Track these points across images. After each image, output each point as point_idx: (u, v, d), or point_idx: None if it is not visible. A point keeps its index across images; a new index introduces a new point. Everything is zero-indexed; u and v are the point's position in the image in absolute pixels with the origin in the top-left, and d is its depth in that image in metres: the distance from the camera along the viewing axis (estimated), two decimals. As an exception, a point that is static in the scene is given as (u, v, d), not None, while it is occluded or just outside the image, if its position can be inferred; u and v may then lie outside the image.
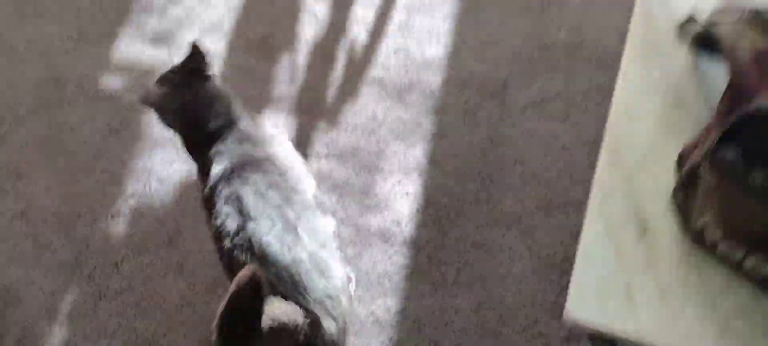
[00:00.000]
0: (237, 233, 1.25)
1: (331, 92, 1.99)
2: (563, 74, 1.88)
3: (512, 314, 1.61)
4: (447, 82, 1.94)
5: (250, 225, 1.24)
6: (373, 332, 1.64)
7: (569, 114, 1.81)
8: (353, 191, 1.80)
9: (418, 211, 1.77)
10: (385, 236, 1.75)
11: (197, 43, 1.45)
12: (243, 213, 1.26)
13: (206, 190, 1.35)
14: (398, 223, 1.76)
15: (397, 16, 2.11)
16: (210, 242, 1.73)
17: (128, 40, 2.29)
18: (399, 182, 1.81)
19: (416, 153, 1.84)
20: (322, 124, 1.93)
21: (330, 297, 1.23)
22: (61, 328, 1.78)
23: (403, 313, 1.65)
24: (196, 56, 1.45)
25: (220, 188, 1.31)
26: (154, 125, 2.06)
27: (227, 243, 1.25)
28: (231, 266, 1.25)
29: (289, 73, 2.06)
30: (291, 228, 1.26)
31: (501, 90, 1.90)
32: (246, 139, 1.40)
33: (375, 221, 1.77)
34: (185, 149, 1.51)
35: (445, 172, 1.80)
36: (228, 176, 1.32)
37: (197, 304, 1.75)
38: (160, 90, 1.42)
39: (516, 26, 1.98)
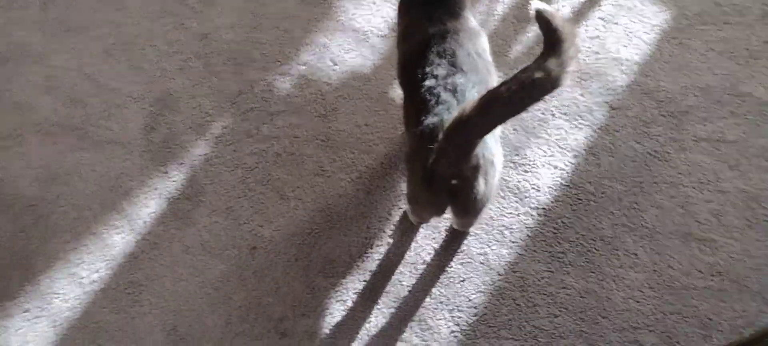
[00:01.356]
0: (445, 77, 1.47)
1: (516, 48, 2.13)
2: (748, 126, 1.94)
3: (615, 312, 1.72)
4: (631, 86, 2.04)
5: (459, 75, 1.47)
6: (479, 269, 1.80)
7: (740, 163, 1.88)
8: (506, 143, 1.95)
9: (560, 186, 1.89)
10: (520, 195, 1.89)
11: None
12: (455, 65, 1.50)
13: (415, 42, 1.57)
14: (537, 189, 1.90)
15: (606, 7, 2.22)
16: (360, 130, 1.96)
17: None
18: (552, 154, 1.94)
19: (578, 136, 1.96)
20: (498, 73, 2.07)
21: (492, 164, 1.45)
22: (205, 145, 2.06)
23: (513, 266, 1.80)
24: None
25: (433, 42, 1.54)
26: (343, 12, 2.29)
27: (431, 82, 1.47)
28: (422, 103, 1.47)
29: (483, 13, 2.22)
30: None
31: (681, 114, 1.98)
32: (462, 15, 1.63)
33: (516, 177, 1.91)
34: (400, 3, 1.72)
35: (600, 164, 1.91)
36: (443, 35, 1.54)
37: (331, 176, 1.99)
38: None
39: (716, 63, 2.05)
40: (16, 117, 2.16)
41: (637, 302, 1.71)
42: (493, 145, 1.46)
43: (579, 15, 2.20)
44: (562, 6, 2.23)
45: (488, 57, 1.58)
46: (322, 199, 1.93)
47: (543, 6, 1.21)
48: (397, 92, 2.09)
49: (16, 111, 2.17)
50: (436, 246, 1.84)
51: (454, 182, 1.42)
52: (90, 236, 1.92)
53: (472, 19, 1.64)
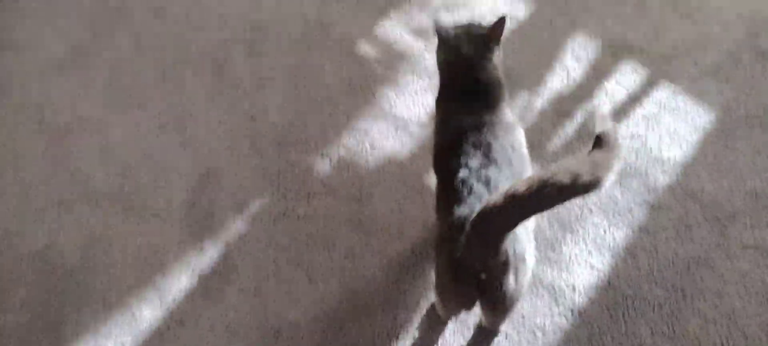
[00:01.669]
0: (479, 168, 1.45)
1: (553, 143, 2.08)
2: (802, 236, 1.80)
3: None
4: (673, 187, 1.95)
5: (493, 168, 1.45)
6: (508, 370, 1.69)
7: (793, 276, 1.73)
8: (541, 238, 1.87)
9: (597, 287, 1.79)
10: (555, 293, 1.79)
11: (505, 17, 1.65)
12: (489, 158, 1.48)
13: (451, 132, 1.57)
14: (573, 288, 1.80)
15: (648, 107, 2.16)
16: (394, 215, 1.92)
17: (394, 22, 2.58)
18: (589, 252, 1.85)
19: (616, 235, 1.87)
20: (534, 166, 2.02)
21: (523, 260, 1.39)
22: (243, 223, 2.06)
23: (544, 370, 1.68)
24: (499, 25, 1.66)
25: (469, 133, 1.53)
26: (386, 100, 2.30)
27: (465, 173, 1.45)
28: (455, 193, 1.44)
29: (521, 108, 2.19)
30: None
31: (726, 219, 1.86)
32: (499, 108, 1.61)
33: (551, 275, 1.82)
34: (440, 90, 1.72)
35: (639, 266, 1.81)
36: (479, 127, 1.53)
37: (362, 260, 1.94)
38: (455, 30, 1.65)
39: (765, 168, 1.94)
40: (69, 185, 2.23)
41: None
42: (526, 239, 1.41)
43: (621, 113, 2.15)
44: (605, 103, 2.17)
45: (524, 151, 1.55)
46: (351, 284, 1.88)
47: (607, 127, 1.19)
48: (431, 180, 2.05)
49: (71, 179, 2.24)
50: (465, 344, 1.74)
51: (482, 275, 1.37)
52: (121, 308, 1.92)
53: (509, 112, 1.62)
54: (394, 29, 2.56)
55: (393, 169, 2.12)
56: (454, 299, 1.53)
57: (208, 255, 2.01)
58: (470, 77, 1.64)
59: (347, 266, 1.92)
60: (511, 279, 1.38)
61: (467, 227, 1.31)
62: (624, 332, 1.71)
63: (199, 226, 2.08)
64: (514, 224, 1.26)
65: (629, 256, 1.82)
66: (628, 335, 1.70)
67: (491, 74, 1.65)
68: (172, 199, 2.16)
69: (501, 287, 1.39)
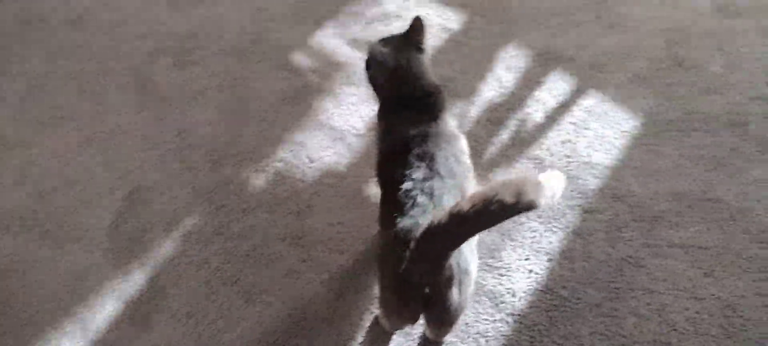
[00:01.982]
0: (423, 180, 1.41)
1: (490, 151, 2.09)
2: (720, 232, 1.87)
3: None
4: (602, 190, 1.99)
5: (436, 179, 1.42)
6: (453, 380, 1.66)
7: (714, 270, 1.80)
8: (481, 245, 1.86)
9: (536, 291, 1.79)
10: (495, 299, 1.79)
11: (420, 18, 1.64)
12: (433, 169, 1.44)
13: (394, 143, 1.54)
14: (513, 293, 1.80)
15: (576, 114, 2.20)
16: (334, 228, 1.86)
17: (330, 33, 2.54)
18: (527, 257, 1.85)
19: (552, 240, 1.88)
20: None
21: (467, 273, 1.38)
22: (172, 243, 1.95)
23: (489, 378, 1.66)
24: (417, 27, 1.66)
25: (413, 144, 1.49)
26: (323, 111, 2.24)
27: (409, 185, 1.41)
28: (397, 206, 1.40)
29: (457, 117, 2.19)
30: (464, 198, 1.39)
31: (653, 220, 1.92)
32: (441, 118, 1.59)
33: (491, 282, 1.81)
34: (381, 105, 1.69)
35: (574, 269, 1.82)
36: (423, 139, 1.50)
37: (303, 276, 1.86)
38: (383, 48, 1.59)
39: (687, 170, 2.01)
40: (-19, 209, 2.04)
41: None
42: (469, 253, 1.39)
43: (551, 120, 2.18)
44: (535, 111, 2.20)
45: (467, 160, 1.53)
46: (291, 302, 1.80)
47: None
48: (372, 190, 2.01)
49: (-18, 203, 2.05)
50: (409, 355, 1.70)
51: (426, 290, 1.33)
52: (39, 343, 1.76)
53: (451, 121, 1.62)
54: (330, 40, 2.52)
55: (331, 181, 2.06)
56: (399, 313, 1.49)
57: (136, 280, 1.89)
58: (410, 87, 1.62)
59: (287, 283, 1.84)
60: (455, 292, 1.36)
61: (412, 243, 1.27)
62: (563, 334, 1.71)
63: (125, 250, 1.95)
64: (459, 243, 1.25)
65: (565, 259, 1.84)
66: (567, 338, 1.70)
67: (430, 82, 1.64)
68: (94, 222, 2.01)
69: (446, 301, 1.37)
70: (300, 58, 2.44)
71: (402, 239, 1.33)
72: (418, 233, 1.28)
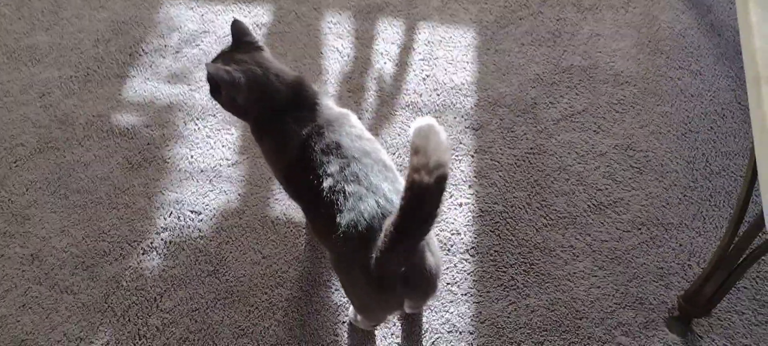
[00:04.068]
0: (341, 170, 1.26)
1: (367, 117, 1.95)
2: (586, 92, 1.97)
3: (586, 308, 1.59)
4: (479, 104, 1.98)
5: (355, 163, 1.27)
6: (450, 340, 1.57)
7: (600, 125, 1.89)
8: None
9: (474, 220, 1.73)
10: (445, 246, 1.70)
11: (236, 20, 1.44)
12: (345, 156, 1.28)
13: (292, 152, 1.34)
14: (457, 232, 1.73)
15: (420, 49, 2.16)
16: (259, 266, 1.62)
17: (141, 80, 2.16)
18: (450, 194, 1.79)
19: (462, 168, 1.83)
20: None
21: (430, 237, 1.27)
22: (93, 375, 1.55)
23: (479, 318, 1.59)
24: (241, 29, 1.45)
25: (313, 142, 1.31)
26: (181, 159, 1.91)
27: (330, 182, 1.25)
28: (330, 206, 1.24)
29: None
30: (389, 170, 1.31)
31: (531, 108, 1.95)
32: (320, 104, 1.41)
33: (434, 232, 1.71)
34: (254, 125, 1.43)
35: (494, 182, 1.80)
36: (319, 132, 1.33)
37: (254, 332, 1.60)
38: (222, 66, 1.34)
39: (533, 54, 2.08)
40: None
41: (598, 287, 1.60)
42: None
43: (402, 65, 2.10)
44: (385, 63, 2.09)
45: (368, 134, 1.40)
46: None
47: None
48: (277, 209, 1.78)
49: None
50: (398, 340, 1.55)
51: (402, 269, 1.20)
52: None
53: (332, 104, 1.45)
54: (145, 87, 2.14)
55: (231, 222, 1.78)
56: (382, 307, 1.35)
57: None
58: (277, 89, 1.40)
59: (243, 344, 1.56)
60: (429, 256, 1.26)
61: (383, 236, 1.13)
62: (516, 243, 1.70)
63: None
64: (433, 219, 1.11)
65: (482, 178, 1.81)
66: (520, 244, 1.69)
67: (290, 73, 1.45)
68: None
69: (425, 269, 1.25)
70: (123, 119, 2.04)
71: (353, 236, 1.19)
72: (364, 222, 1.17)
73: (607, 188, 1.78)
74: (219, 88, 1.40)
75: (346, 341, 1.59)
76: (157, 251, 1.78)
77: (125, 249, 1.79)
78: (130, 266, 1.76)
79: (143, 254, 1.78)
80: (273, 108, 1.40)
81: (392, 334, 1.59)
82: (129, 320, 1.68)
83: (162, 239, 1.80)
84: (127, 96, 2.15)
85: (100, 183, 1.93)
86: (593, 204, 1.76)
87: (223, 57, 1.44)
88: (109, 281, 1.74)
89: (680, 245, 1.69)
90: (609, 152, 1.84)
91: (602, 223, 1.72)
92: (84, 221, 1.85)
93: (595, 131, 1.89)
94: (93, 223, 1.84)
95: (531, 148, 1.88)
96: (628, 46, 2.11)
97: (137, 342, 1.64)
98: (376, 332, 1.60)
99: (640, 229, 1.71)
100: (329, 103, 1.45)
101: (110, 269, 1.76)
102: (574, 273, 1.65)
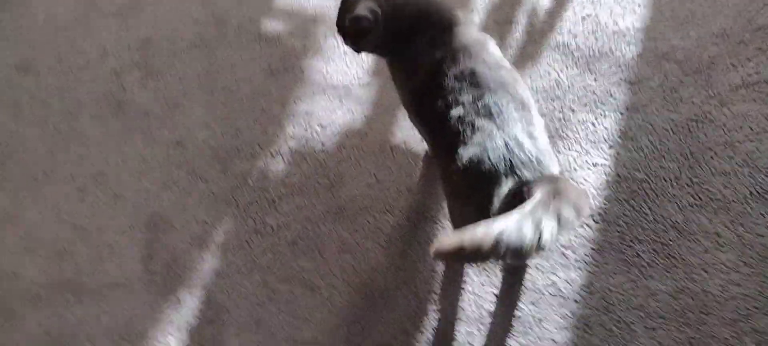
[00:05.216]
0: (474, 101, 1.25)
1: (508, 54, 1.91)
2: (781, 58, 1.72)
3: (718, 305, 1.46)
4: (643, 55, 1.82)
5: (489, 95, 1.25)
6: (554, 303, 1.54)
7: (789, 100, 1.65)
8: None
9: (608, 184, 1.64)
10: (569, 206, 1.63)
11: None
12: (479, 86, 1.27)
13: (424, 75, 1.35)
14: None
15: (587, -17, 2.00)
16: (372, 189, 1.69)
17: (293, -12, 2.30)
18: (586, 152, 1.71)
19: (607, 125, 1.73)
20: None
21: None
22: (213, 257, 1.78)
23: (589, 289, 1.54)
24: None
25: (446, 67, 1.31)
26: (317, 72, 2.04)
27: (459, 111, 1.25)
28: (455, 136, 1.25)
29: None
30: (526, 108, 1.27)
31: (706, 68, 1.76)
32: (458, 27, 1.39)
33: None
34: (390, 51, 1.46)
35: (640, 147, 1.68)
36: (453, 56, 1.32)
37: (357, 251, 1.71)
38: (365, 5, 1.37)
39: (724, 3, 1.85)
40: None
41: (738, 285, 1.46)
42: (553, 160, 1.25)
43: (561, 2, 1.97)
44: (540, 2, 1.99)
45: (507, 63, 1.36)
46: (356, 277, 1.66)
47: None
48: (398, 136, 1.84)
49: (-4, 286, 1.87)
50: (496, 292, 1.57)
51: None
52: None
53: (473, 27, 1.42)
54: (296, -5, 2.27)
55: (353, 142, 1.88)
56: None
57: (190, 306, 1.73)
58: (414, 12, 1.41)
59: (345, 260, 1.70)
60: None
61: (490, 179, 1.16)
62: (652, 218, 1.59)
63: (167, 280, 1.79)
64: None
65: (628, 140, 1.70)
66: (657, 220, 1.58)
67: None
68: (123, 262, 1.84)
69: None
70: (271, 25, 2.21)
71: (474, 170, 1.19)
72: (488, 162, 1.15)
73: (781, 175, 1.59)
74: (363, 35, 1.42)
75: (442, 279, 1.65)
76: (282, 157, 1.97)
77: (256, 150, 2.00)
78: (257, 166, 1.96)
79: (271, 157, 1.98)
80: (410, 31, 1.42)
81: (491, 283, 1.62)
82: (249, 215, 1.89)
83: (289, 147, 1.98)
84: (277, 2, 2.32)
85: (243, 84, 2.14)
86: (757, 191, 1.58)
87: (353, 1, 1.44)
88: (237, 176, 1.96)
89: None
90: (793, 134, 1.63)
91: (762, 215, 1.55)
92: (224, 117, 2.08)
93: (781, 106, 1.68)
94: (232, 121, 2.07)
95: (695, 115, 1.72)
96: None
97: (253, 237, 1.85)
98: (475, 277, 1.63)
99: (810, 230, 1.52)
100: (471, 26, 1.43)
101: (240, 165, 1.98)
102: (713, 264, 1.53)
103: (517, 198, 1.10)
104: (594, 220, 1.61)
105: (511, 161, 1.16)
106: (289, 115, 2.03)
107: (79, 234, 1.94)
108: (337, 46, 2.11)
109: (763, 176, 1.58)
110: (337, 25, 1.45)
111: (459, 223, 1.34)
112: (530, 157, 1.17)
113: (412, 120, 1.49)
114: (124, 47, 2.31)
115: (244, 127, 2.03)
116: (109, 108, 2.17)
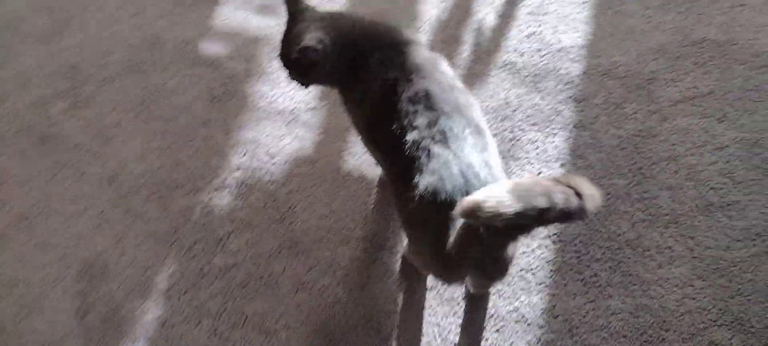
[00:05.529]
0: (428, 125, 1.23)
1: (459, 74, 1.93)
2: (717, 71, 1.81)
3: (676, 319, 1.52)
4: (587, 72, 1.88)
5: (443, 118, 1.23)
6: (517, 330, 1.55)
7: (725, 112, 1.75)
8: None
9: (562, 203, 1.67)
10: (526, 228, 1.65)
11: None
12: (434, 109, 1.25)
13: (377, 96, 1.32)
14: (541, 214, 1.67)
15: (530, 1, 2.05)
16: (326, 220, 1.66)
17: (231, 8, 2.23)
18: (538, 172, 1.74)
19: (557, 143, 1.77)
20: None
21: None
22: (156, 306, 1.70)
23: (552, 312, 1.56)
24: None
25: (399, 88, 1.29)
26: (260, 97, 1.99)
27: (414, 135, 1.23)
28: (410, 161, 1.22)
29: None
30: (482, 134, 1.26)
31: (647, 83, 1.84)
32: (409, 47, 1.37)
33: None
34: (340, 75, 1.42)
35: (590, 164, 1.73)
36: (407, 77, 1.30)
37: (313, 288, 1.67)
38: (313, 35, 1.35)
39: (660, 20, 1.93)
40: None
41: (693, 298, 1.52)
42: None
43: (506, 18, 2.02)
44: (487, 13, 2.03)
45: (459, 83, 1.35)
46: (314, 316, 1.62)
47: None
48: (350, 163, 1.81)
49: None
50: (460, 320, 1.57)
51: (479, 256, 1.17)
52: None
53: (423, 46, 1.40)
54: (236, 15, 2.21)
55: (304, 170, 1.85)
56: (442, 277, 1.34)
57: (136, 363, 1.64)
58: (368, 30, 1.39)
59: (301, 299, 1.66)
60: (510, 246, 1.21)
61: (445, 202, 1.14)
62: (606, 235, 1.63)
63: (106, 333, 1.70)
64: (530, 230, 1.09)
65: (577, 158, 1.74)
66: (610, 238, 1.62)
67: (371, 19, 1.42)
68: (55, 316, 1.73)
69: (501, 259, 1.22)
70: (211, 47, 2.14)
71: (430, 199, 1.17)
72: (445, 193, 1.14)
73: (722, 188, 1.67)
74: (312, 67, 1.37)
75: (404, 312, 1.63)
76: (228, 190, 1.90)
77: (198, 184, 1.92)
78: (201, 202, 1.88)
79: (215, 190, 1.90)
80: (362, 54, 1.38)
81: (454, 313, 1.62)
82: (194, 256, 1.81)
83: (234, 178, 1.91)
84: (216, 23, 2.24)
85: (182, 112, 2.05)
86: (702, 204, 1.65)
87: (300, 32, 1.40)
88: (179, 213, 1.88)
89: (803, 268, 1.56)
90: (731, 146, 1.71)
91: (710, 227, 1.62)
92: (162, 148, 1.99)
93: (719, 120, 1.76)
94: (171, 152, 1.98)
95: (639, 130, 1.78)
96: (780, 21, 1.91)
97: (200, 280, 1.77)
98: (438, 308, 1.63)
99: (753, 240, 1.60)
100: (421, 45, 1.41)
101: (182, 201, 1.89)
102: (668, 279, 1.58)
103: (472, 227, 1.10)
104: (551, 241, 1.64)
105: (467, 191, 1.15)
106: (233, 145, 1.96)
107: (4, 287, 1.80)
108: (281, 69, 2.06)
109: (706, 188, 1.65)
110: (282, 57, 1.40)
111: (414, 248, 1.33)
112: (486, 185, 1.16)
113: (365, 145, 1.46)
114: (49, 74, 2.17)
115: (184, 158, 1.95)
116: (31, 142, 2.03)
